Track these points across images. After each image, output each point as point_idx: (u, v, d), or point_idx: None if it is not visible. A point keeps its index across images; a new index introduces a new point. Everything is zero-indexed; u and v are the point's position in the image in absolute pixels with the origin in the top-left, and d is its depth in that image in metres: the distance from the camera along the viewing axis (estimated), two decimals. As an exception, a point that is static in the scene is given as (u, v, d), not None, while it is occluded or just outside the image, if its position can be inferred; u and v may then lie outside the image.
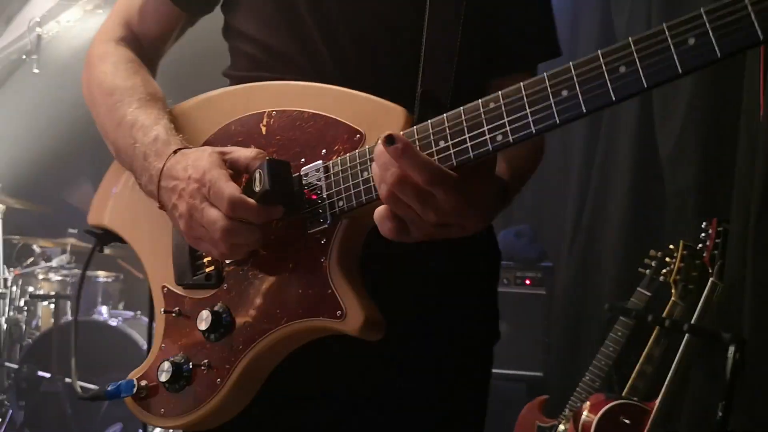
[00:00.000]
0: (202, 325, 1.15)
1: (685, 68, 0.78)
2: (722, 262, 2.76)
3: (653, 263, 3.07)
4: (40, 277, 4.89)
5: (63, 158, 5.44)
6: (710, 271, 2.80)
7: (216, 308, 1.15)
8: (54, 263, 4.85)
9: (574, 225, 4.31)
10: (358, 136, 1.07)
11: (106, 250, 1.49)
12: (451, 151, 0.93)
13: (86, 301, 4.97)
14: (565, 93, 0.85)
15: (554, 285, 4.13)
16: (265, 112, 1.18)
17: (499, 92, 0.90)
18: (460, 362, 1.30)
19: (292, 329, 1.09)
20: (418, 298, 1.24)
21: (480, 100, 0.91)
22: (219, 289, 1.18)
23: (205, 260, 1.20)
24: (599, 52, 0.83)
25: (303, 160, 1.11)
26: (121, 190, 1.39)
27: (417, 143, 0.95)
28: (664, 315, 2.87)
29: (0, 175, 5.05)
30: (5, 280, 4.84)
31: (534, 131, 0.87)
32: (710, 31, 0.76)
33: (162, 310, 1.23)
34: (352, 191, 1.03)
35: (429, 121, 0.95)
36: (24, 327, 4.80)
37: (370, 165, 1.00)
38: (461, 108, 0.93)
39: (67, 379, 4.19)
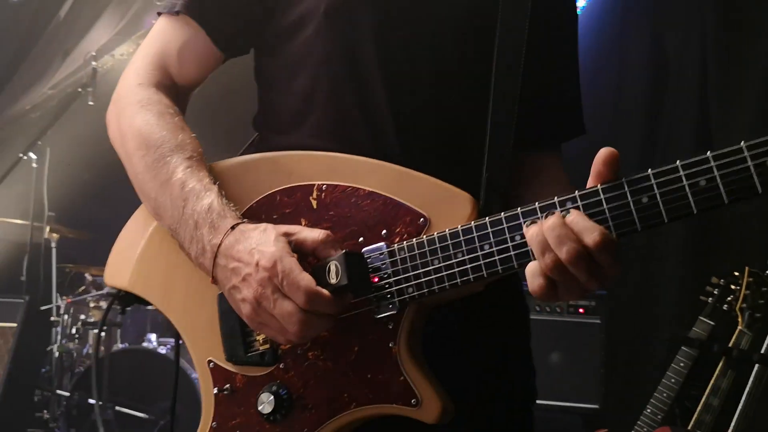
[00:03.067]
0: (266, 408, 1.12)
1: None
2: (793, 289, 2.63)
3: (716, 291, 2.96)
4: (92, 305, 4.94)
5: (113, 188, 5.53)
6: (780, 298, 2.67)
7: (275, 389, 1.12)
8: (105, 291, 4.90)
9: (629, 249, 4.19)
10: (422, 220, 1.07)
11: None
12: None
13: (136, 329, 5.02)
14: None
15: (610, 313, 4.00)
16: (314, 184, 1.14)
17: (576, 193, 0.94)
18: (504, 424, 1.26)
19: (362, 414, 1.08)
20: (461, 366, 1.21)
21: (557, 199, 0.95)
22: (275, 368, 1.15)
23: (258, 338, 1.16)
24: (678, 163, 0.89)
25: (361, 239, 1.10)
26: (146, 252, 1.29)
27: (506, 231, 0.99)
28: (730, 345, 2.74)
29: (54, 204, 5.16)
30: (58, 308, 4.92)
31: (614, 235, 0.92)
32: None
33: (215, 389, 1.19)
34: (423, 279, 1.04)
35: (519, 209, 0.98)
36: (75, 355, 4.85)
37: (441, 254, 1.03)
38: (537, 203, 0.97)
39: (118, 408, 4.21)
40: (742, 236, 3.15)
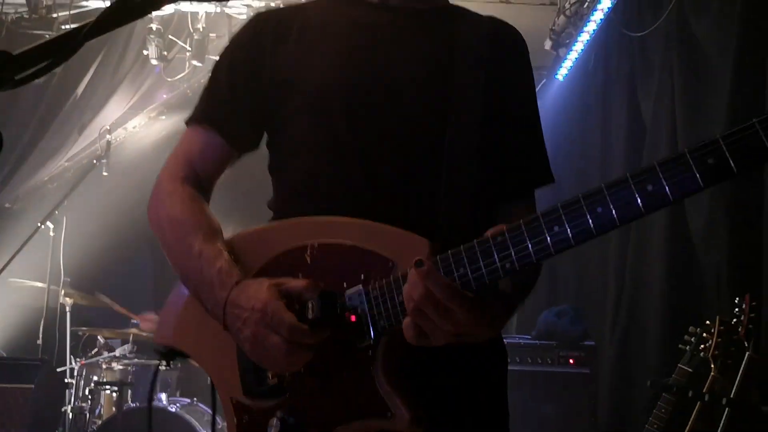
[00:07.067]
0: None
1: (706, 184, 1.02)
2: (758, 336, 2.80)
3: (693, 339, 3.11)
4: (104, 366, 5.09)
5: (124, 255, 5.77)
6: (746, 345, 2.84)
7: (281, 415, 1.34)
8: (117, 353, 5.06)
9: (615, 303, 4.37)
10: (390, 264, 1.30)
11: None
12: (470, 276, 1.18)
13: (145, 387, 5.16)
14: (556, 228, 1.12)
15: (598, 364, 4.15)
16: (308, 244, 1.39)
17: (504, 227, 1.16)
18: None
19: (352, 429, 1.29)
20: (444, 397, 1.38)
21: (489, 233, 1.17)
22: (282, 399, 1.37)
23: (269, 373, 1.38)
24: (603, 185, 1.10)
25: (345, 284, 1.33)
26: (184, 311, 1.55)
27: (441, 270, 1.19)
28: (704, 390, 2.90)
29: (70, 270, 5.38)
30: (72, 370, 5.08)
31: (534, 260, 1.13)
32: (726, 153, 1.00)
33: (235, 420, 1.41)
34: (391, 311, 1.26)
35: (449, 251, 1.20)
36: (88, 415, 4.98)
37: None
38: (475, 241, 1.18)
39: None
40: (714, 285, 3.34)
